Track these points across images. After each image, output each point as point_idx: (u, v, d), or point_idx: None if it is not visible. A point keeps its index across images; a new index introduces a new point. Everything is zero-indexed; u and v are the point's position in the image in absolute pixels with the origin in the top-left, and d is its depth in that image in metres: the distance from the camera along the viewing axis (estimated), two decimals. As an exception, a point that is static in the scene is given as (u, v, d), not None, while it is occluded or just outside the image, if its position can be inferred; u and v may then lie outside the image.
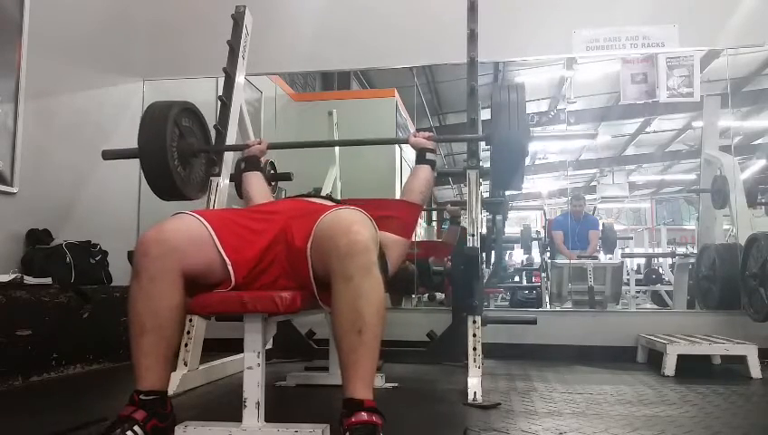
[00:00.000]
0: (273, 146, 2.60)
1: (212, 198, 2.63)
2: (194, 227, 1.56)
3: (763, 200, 4.58)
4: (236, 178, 3.07)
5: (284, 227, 1.63)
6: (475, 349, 2.35)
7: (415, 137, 2.36)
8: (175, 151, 2.24)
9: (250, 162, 2.48)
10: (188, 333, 2.47)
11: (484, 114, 3.09)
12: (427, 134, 2.36)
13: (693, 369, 2.92)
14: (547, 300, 5.42)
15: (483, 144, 2.48)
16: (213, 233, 1.55)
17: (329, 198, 2.13)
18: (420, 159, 2.34)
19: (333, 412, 1.48)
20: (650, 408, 2.10)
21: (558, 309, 4.94)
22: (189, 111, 2.40)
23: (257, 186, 2.42)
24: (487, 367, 2.62)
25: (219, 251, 1.54)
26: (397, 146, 5.03)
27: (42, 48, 3.06)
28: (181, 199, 2.34)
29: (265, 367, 1.53)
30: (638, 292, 6.73)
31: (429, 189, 2.32)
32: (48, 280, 2.76)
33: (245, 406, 1.48)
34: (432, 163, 2.33)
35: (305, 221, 1.58)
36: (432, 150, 2.34)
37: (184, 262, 1.50)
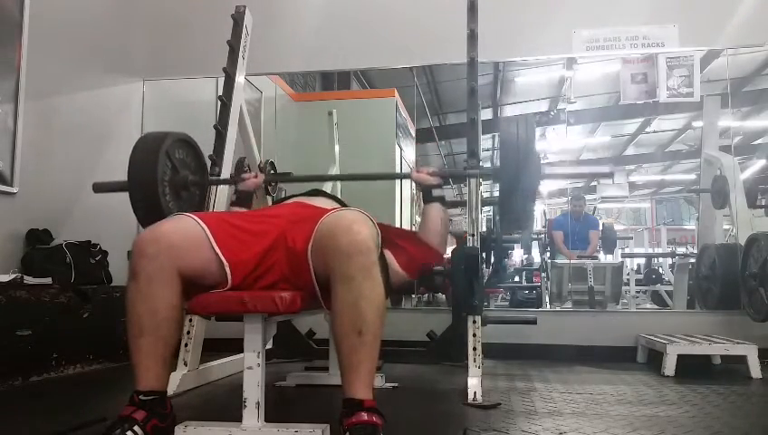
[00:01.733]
0: (269, 179, 2.49)
1: (212, 198, 2.63)
2: (190, 227, 1.56)
3: (764, 202, 4.58)
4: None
5: (284, 232, 1.62)
6: (475, 349, 2.34)
7: (417, 172, 2.23)
8: (166, 186, 2.10)
9: (241, 198, 2.32)
10: (188, 333, 2.47)
11: (485, 114, 3.09)
12: (430, 169, 2.22)
13: (693, 369, 2.92)
14: (547, 300, 5.42)
15: (484, 143, 2.46)
16: (209, 234, 1.55)
17: (333, 197, 2.12)
18: (427, 196, 2.20)
19: (333, 412, 1.48)
20: (650, 408, 2.10)
21: (558, 309, 4.94)
22: (184, 142, 2.23)
23: None
24: (487, 367, 2.62)
25: (216, 252, 1.54)
26: (397, 146, 5.03)
27: (42, 48, 3.06)
28: None
29: (265, 367, 1.53)
30: (638, 292, 6.73)
31: (446, 228, 2.21)
32: (48, 280, 2.77)
33: (245, 406, 1.48)
34: (441, 200, 2.21)
35: (305, 225, 1.58)
36: (438, 186, 2.21)
37: (180, 262, 1.50)
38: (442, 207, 2.21)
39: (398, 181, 4.96)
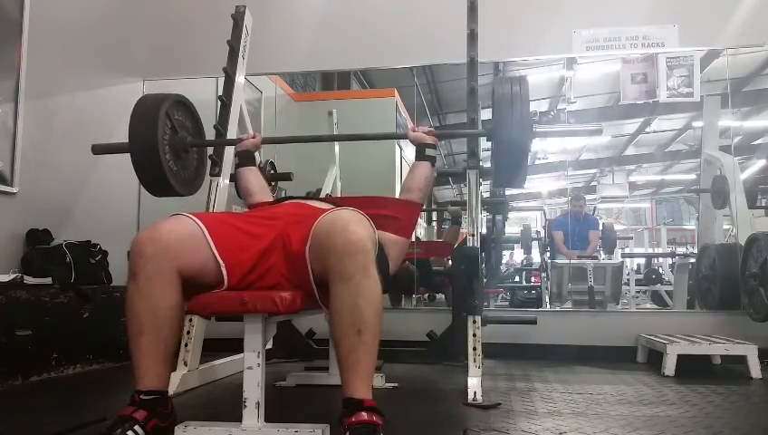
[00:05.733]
0: (267, 141, 2.51)
1: (212, 198, 2.63)
2: (188, 227, 1.56)
3: (764, 202, 4.58)
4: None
5: (282, 234, 1.62)
6: (475, 349, 2.35)
7: (414, 131, 2.29)
8: (166, 145, 2.15)
9: (244, 157, 2.37)
10: (188, 333, 2.47)
11: (484, 114, 3.09)
12: (426, 129, 2.29)
13: (693, 369, 2.91)
14: (547, 300, 5.42)
15: (484, 143, 2.47)
16: (207, 233, 1.55)
17: (329, 201, 2.13)
18: (420, 154, 2.26)
19: (333, 412, 1.48)
20: (650, 408, 2.10)
21: (558, 309, 4.94)
22: (181, 103, 2.31)
23: (255, 181, 2.33)
24: (487, 367, 2.62)
25: (213, 251, 1.54)
26: (396, 146, 5.02)
27: (42, 48, 3.06)
28: (172, 196, 2.28)
29: (265, 367, 1.53)
30: (638, 292, 6.73)
31: (429, 187, 2.26)
32: (48, 280, 2.76)
33: (245, 406, 1.48)
34: (432, 159, 2.25)
35: (302, 226, 1.58)
36: (432, 146, 2.26)
37: (179, 261, 1.50)
38: (431, 167, 2.25)
39: (397, 176, 4.96)
